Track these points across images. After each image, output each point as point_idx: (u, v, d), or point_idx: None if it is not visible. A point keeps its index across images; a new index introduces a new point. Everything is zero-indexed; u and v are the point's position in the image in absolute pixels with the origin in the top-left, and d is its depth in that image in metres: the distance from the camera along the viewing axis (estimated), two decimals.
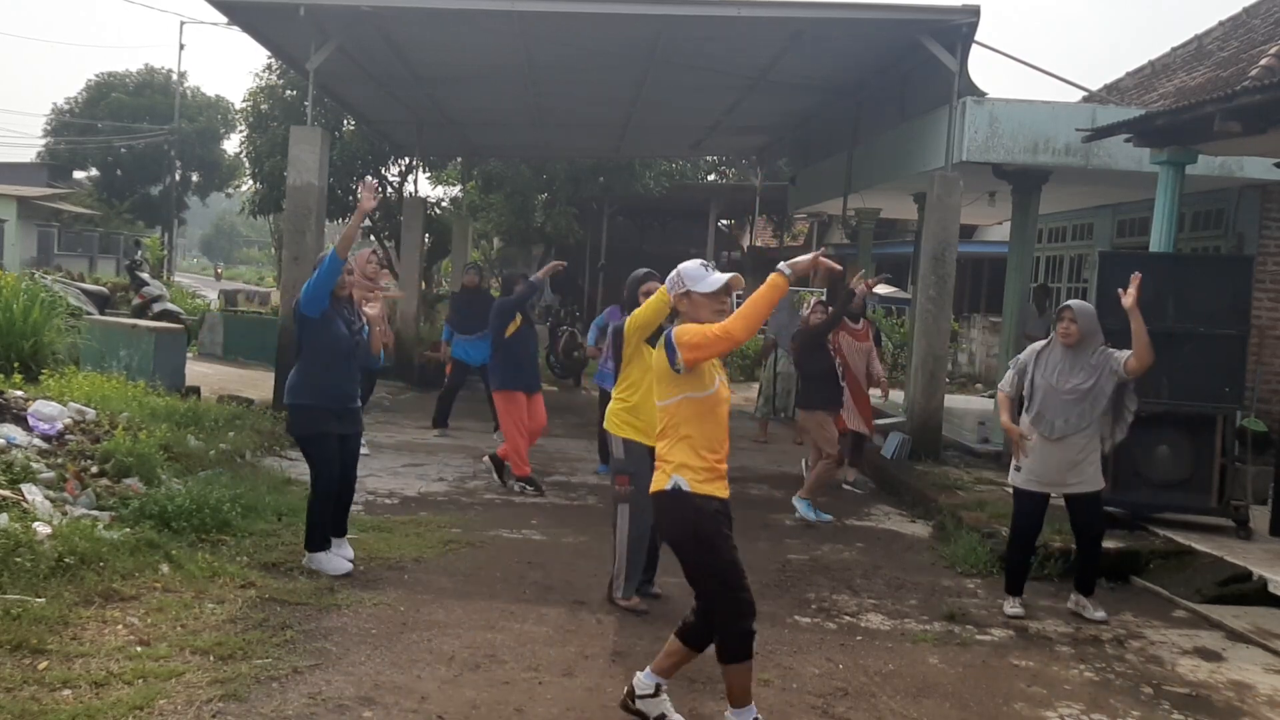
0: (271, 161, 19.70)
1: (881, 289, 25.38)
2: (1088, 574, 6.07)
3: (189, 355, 11.72)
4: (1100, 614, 5.97)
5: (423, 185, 27.37)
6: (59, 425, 7.02)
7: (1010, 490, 6.23)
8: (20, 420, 6.95)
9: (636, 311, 5.28)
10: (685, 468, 3.89)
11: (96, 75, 43.27)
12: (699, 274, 3.92)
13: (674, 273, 4.02)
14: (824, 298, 8.43)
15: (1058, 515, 7.62)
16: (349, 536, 6.28)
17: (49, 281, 14.09)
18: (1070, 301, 5.96)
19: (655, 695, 4.08)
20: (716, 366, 4.00)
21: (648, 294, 5.85)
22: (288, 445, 9.43)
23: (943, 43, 10.04)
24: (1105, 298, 7.84)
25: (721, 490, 3.93)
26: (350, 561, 5.94)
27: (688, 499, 3.87)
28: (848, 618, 5.76)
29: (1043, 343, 6.05)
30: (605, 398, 7.93)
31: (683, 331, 3.85)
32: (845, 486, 9.56)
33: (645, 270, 6.11)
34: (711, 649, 3.99)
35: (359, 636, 4.87)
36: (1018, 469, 5.93)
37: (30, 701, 3.88)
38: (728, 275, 3.89)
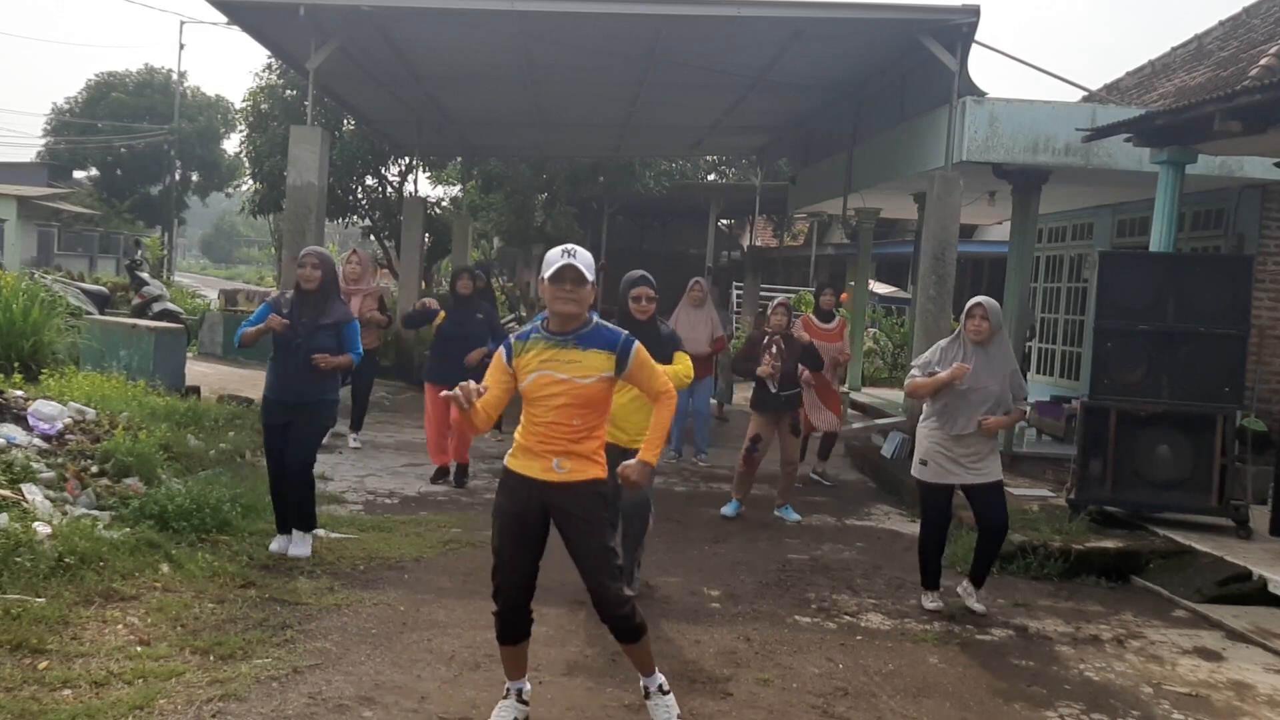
0: (271, 161, 19.72)
1: (881, 289, 25.49)
2: (983, 566, 5.98)
3: (189, 355, 11.70)
4: (980, 606, 5.95)
5: (423, 185, 27.44)
6: (59, 425, 7.02)
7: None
8: (20, 420, 6.95)
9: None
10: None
11: (96, 75, 43.21)
12: (550, 260, 3.86)
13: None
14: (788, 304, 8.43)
15: (1057, 515, 7.64)
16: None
17: (49, 281, 14.09)
18: (980, 298, 5.86)
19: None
20: (538, 361, 3.89)
21: (635, 298, 5.79)
22: None
23: (943, 42, 10.03)
24: (1105, 298, 7.86)
25: (527, 467, 3.94)
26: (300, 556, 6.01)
27: (503, 470, 4.06)
28: (848, 617, 5.76)
29: (947, 341, 5.94)
30: None
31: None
32: (813, 477, 9.77)
33: (639, 274, 5.95)
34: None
35: (359, 636, 4.87)
36: (923, 463, 5.86)
37: (30, 701, 3.88)
38: (560, 263, 3.78)
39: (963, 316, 5.89)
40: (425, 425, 8.78)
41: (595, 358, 3.87)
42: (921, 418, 5.98)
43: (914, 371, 6.01)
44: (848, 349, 10.19)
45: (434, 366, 8.65)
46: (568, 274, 3.79)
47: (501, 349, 3.96)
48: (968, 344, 5.83)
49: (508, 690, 4.10)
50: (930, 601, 5.99)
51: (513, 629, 4.01)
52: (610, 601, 3.91)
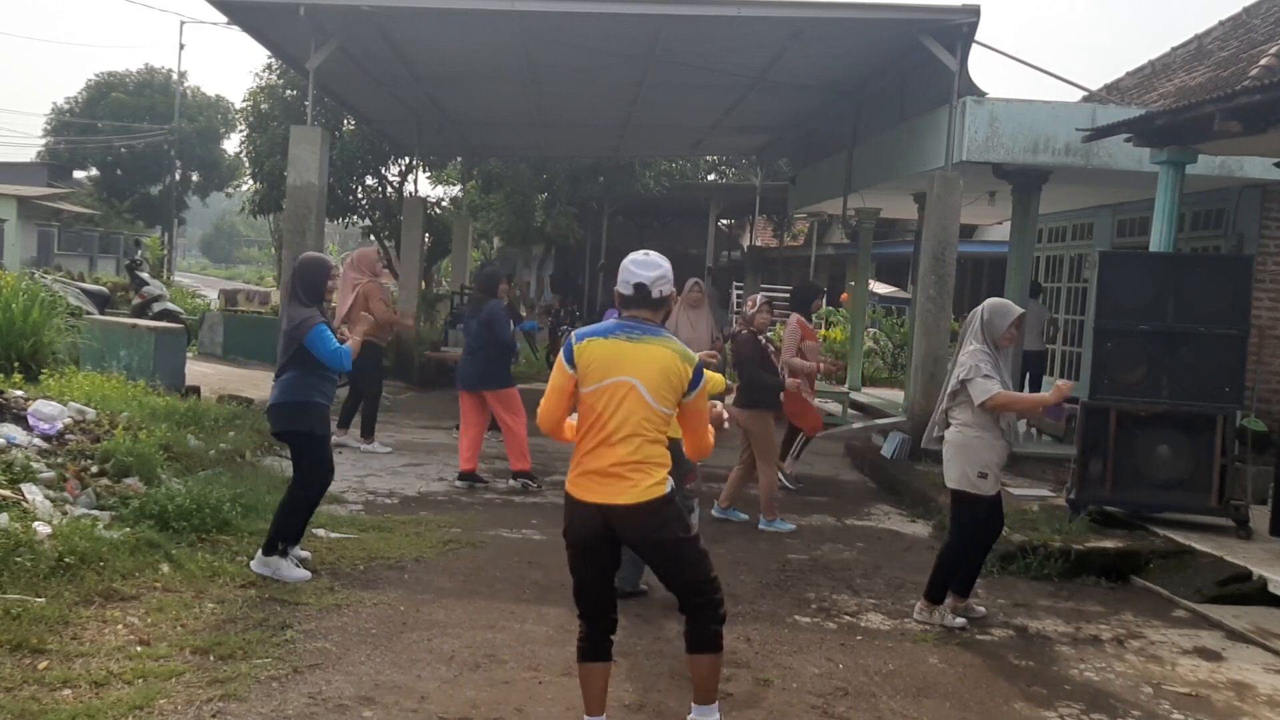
0: (271, 161, 19.72)
1: (881, 289, 25.50)
2: (974, 577, 5.82)
3: (189, 355, 11.71)
4: (983, 609, 5.91)
5: (423, 185, 27.42)
6: (59, 425, 7.02)
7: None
8: (20, 420, 6.95)
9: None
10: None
11: (96, 75, 43.23)
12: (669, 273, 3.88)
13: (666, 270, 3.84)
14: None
15: (1057, 515, 7.64)
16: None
17: (49, 281, 14.10)
18: (1022, 309, 5.76)
19: None
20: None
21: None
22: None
23: (943, 42, 10.03)
24: (1105, 298, 7.86)
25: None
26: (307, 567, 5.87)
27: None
28: (848, 617, 5.77)
29: (986, 347, 5.58)
30: None
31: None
32: (780, 477, 9.42)
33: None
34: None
35: (359, 636, 4.87)
36: (983, 476, 5.51)
37: (30, 701, 3.89)
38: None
39: (1007, 325, 5.57)
40: (462, 432, 8.56)
41: None
42: (974, 430, 5.51)
43: (993, 384, 5.42)
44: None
45: (471, 371, 8.45)
46: None
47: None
48: (995, 350, 5.61)
49: None
50: (955, 619, 5.70)
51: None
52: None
